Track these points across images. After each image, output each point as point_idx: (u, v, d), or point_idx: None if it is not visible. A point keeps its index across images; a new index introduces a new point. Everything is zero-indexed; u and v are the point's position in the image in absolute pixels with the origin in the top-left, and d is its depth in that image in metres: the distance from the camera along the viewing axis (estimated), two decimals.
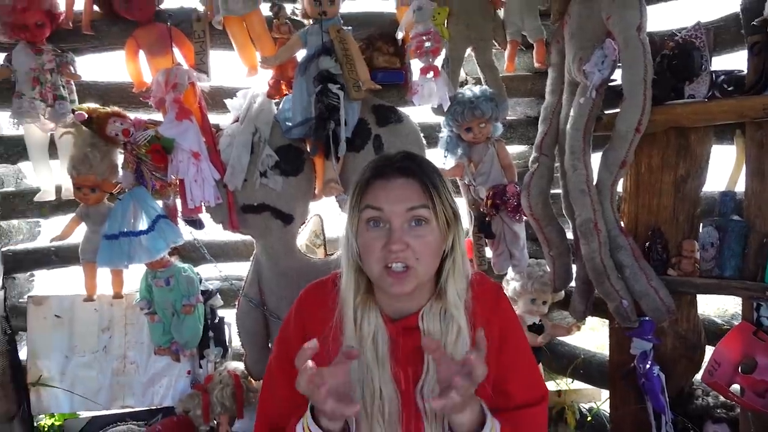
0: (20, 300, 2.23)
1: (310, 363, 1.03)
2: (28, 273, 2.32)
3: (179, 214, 2.03)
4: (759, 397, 1.79)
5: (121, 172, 1.97)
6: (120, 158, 2.00)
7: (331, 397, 1.04)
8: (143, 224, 1.94)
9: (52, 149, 2.05)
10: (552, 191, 2.22)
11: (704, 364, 2.07)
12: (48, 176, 2.04)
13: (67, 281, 2.43)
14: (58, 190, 2.07)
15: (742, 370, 1.86)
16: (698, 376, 2.14)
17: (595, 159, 2.05)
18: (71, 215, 2.05)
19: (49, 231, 2.33)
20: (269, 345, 2.15)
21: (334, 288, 1.29)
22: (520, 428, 1.24)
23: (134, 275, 2.11)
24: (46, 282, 2.46)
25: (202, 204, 1.97)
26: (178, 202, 2.02)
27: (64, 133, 1.94)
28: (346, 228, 1.24)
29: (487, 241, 2.38)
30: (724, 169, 2.04)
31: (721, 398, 2.02)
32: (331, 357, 1.21)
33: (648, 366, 2.02)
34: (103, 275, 2.07)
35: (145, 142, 1.89)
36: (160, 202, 2.01)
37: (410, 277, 1.17)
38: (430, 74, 2.12)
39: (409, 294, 1.21)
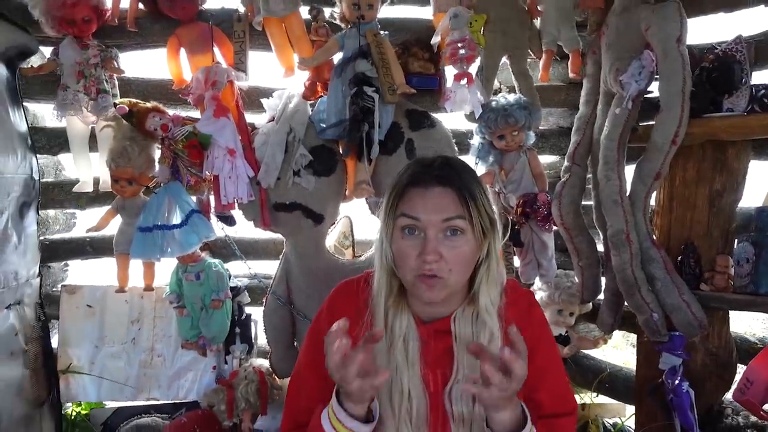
0: (54, 289, 2.27)
1: (343, 340, 1.06)
2: (63, 263, 2.36)
3: (212, 210, 2.06)
4: None
5: (157, 166, 2.01)
6: (157, 153, 2.03)
7: (359, 377, 1.06)
8: (177, 218, 1.97)
9: (92, 142, 2.10)
10: (583, 203, 2.21)
11: (735, 383, 2.05)
12: (87, 168, 2.09)
13: (100, 272, 2.48)
14: (96, 182, 2.11)
15: None
16: (728, 395, 2.11)
17: (629, 171, 2.04)
18: (107, 207, 2.09)
19: (84, 222, 2.38)
20: (295, 344, 2.17)
21: (367, 287, 1.31)
22: None
23: (165, 269, 2.15)
24: (79, 272, 2.50)
25: (235, 201, 1.99)
26: (212, 198, 2.05)
27: (105, 126, 1.99)
28: (381, 231, 1.25)
29: (515, 249, 2.37)
30: (761, 184, 2.01)
31: (752, 418, 1.98)
32: (366, 351, 1.22)
33: (677, 382, 1.99)
34: (135, 267, 2.11)
35: (183, 138, 1.92)
36: (194, 198, 2.04)
37: (442, 286, 1.18)
38: (464, 81, 2.13)
39: (439, 301, 1.22)
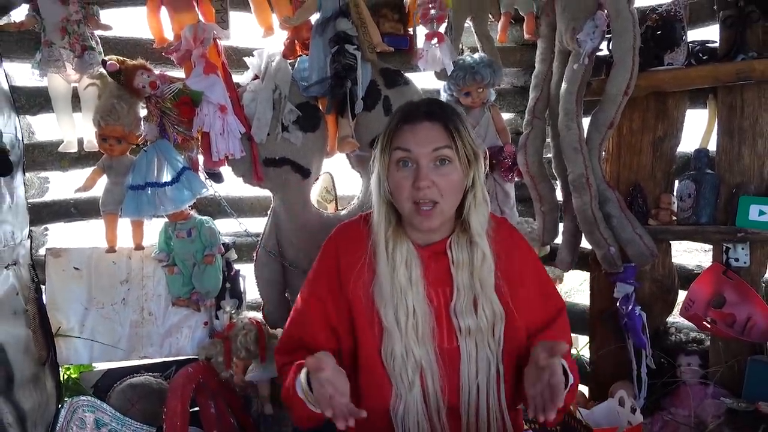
0: (37, 253, 2.22)
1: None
2: (43, 227, 2.30)
3: (200, 167, 2.10)
4: (728, 327, 2.06)
5: (144, 125, 2.01)
6: (143, 112, 2.04)
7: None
8: (167, 176, 1.99)
9: (74, 102, 2.06)
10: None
11: (677, 305, 2.34)
12: (71, 128, 2.05)
13: (81, 235, 2.44)
14: (80, 142, 2.08)
15: (713, 305, 2.12)
16: (671, 318, 2.42)
17: (584, 122, 2.26)
18: (90, 169, 2.07)
19: (62, 186, 2.33)
20: (286, 295, 2.25)
21: (365, 226, 1.45)
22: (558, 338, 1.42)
23: (150, 229, 2.16)
24: (59, 236, 2.45)
25: (227, 157, 2.04)
26: (200, 156, 2.08)
27: (89, 84, 1.97)
28: (377, 170, 1.38)
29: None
30: (696, 131, 2.29)
31: (692, 334, 2.28)
32: (366, 284, 1.37)
33: (630, 307, 2.26)
34: (123, 228, 2.11)
35: (172, 96, 1.94)
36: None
37: (437, 213, 1.33)
38: (435, 40, 2.27)
39: (435, 229, 1.37)
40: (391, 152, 1.34)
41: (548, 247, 2.67)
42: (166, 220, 2.12)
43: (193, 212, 2.14)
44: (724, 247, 2.10)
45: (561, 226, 2.46)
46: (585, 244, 2.32)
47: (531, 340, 1.45)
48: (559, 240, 2.48)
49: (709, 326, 2.10)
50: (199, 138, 2.05)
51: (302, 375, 1.28)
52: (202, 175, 2.10)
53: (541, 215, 2.43)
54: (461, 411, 1.40)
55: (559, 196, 2.42)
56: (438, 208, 1.32)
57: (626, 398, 2.15)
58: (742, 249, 2.07)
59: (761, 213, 1.98)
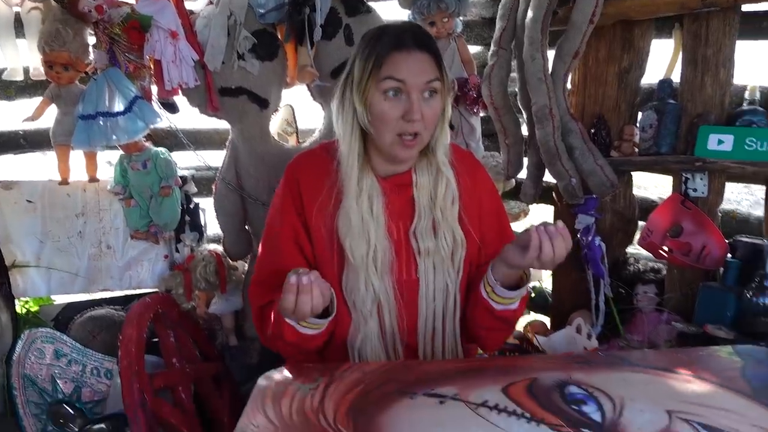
0: None
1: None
2: None
3: (154, 97, 2.04)
4: (684, 256, 2.09)
5: (92, 52, 1.94)
6: (91, 39, 1.96)
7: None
8: (119, 105, 1.94)
9: (18, 27, 1.97)
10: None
11: (636, 236, 2.38)
12: (15, 55, 1.98)
13: (34, 167, 2.39)
14: (26, 71, 2.01)
15: (671, 235, 2.14)
16: (630, 249, 2.46)
17: (550, 54, 2.22)
18: (39, 98, 2.01)
19: (9, 116, 2.26)
20: (246, 227, 2.24)
21: (327, 155, 1.40)
22: None
23: (104, 162, 2.12)
24: (9, 168, 2.39)
25: (180, 86, 1.98)
26: (153, 85, 2.02)
27: (32, 8, 1.88)
28: (350, 98, 1.31)
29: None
30: (661, 62, 2.27)
31: (650, 264, 2.32)
32: (329, 215, 1.35)
33: (590, 238, 2.28)
34: (76, 159, 2.07)
35: (120, 20, 1.86)
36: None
37: (419, 143, 1.31)
38: None
39: (412, 158, 1.36)
40: (380, 81, 1.26)
41: (513, 180, 2.67)
42: (121, 152, 2.07)
43: (148, 144, 2.10)
44: (683, 178, 2.11)
45: (526, 160, 2.46)
46: (550, 177, 2.32)
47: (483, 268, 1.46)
48: (524, 174, 2.48)
49: (665, 255, 2.13)
50: (152, 66, 1.99)
51: None
52: (155, 105, 2.04)
53: (506, 148, 2.42)
54: (418, 340, 1.42)
55: (525, 129, 2.40)
56: (419, 138, 1.29)
57: (583, 325, 2.19)
58: (701, 179, 2.08)
59: (720, 142, 1.98)
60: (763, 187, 2.09)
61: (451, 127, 2.49)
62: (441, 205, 1.38)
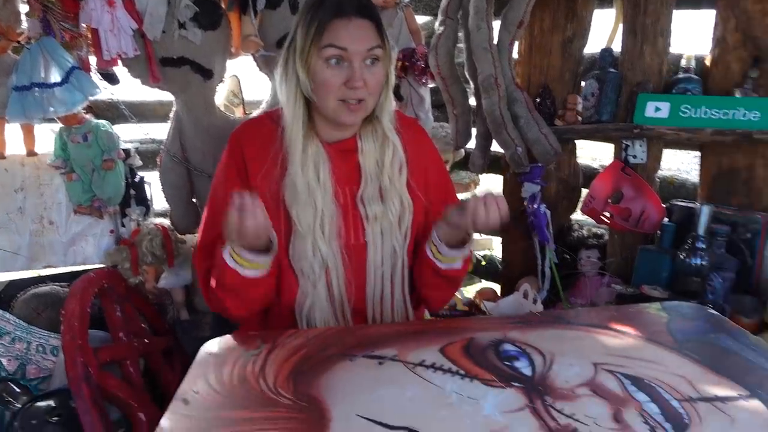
0: None
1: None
2: None
3: (92, 68, 1.98)
4: (624, 221, 2.17)
5: (25, 20, 1.87)
6: (23, 7, 1.89)
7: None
8: (56, 76, 1.88)
9: None
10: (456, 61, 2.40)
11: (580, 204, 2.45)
12: None
13: None
14: None
15: (612, 201, 2.22)
16: (574, 216, 2.53)
17: (496, 24, 2.24)
18: None
19: None
20: (193, 200, 2.22)
21: (272, 123, 1.40)
22: None
23: (43, 136, 2.06)
24: None
25: (119, 56, 1.93)
26: (92, 58, 1.96)
27: None
28: (293, 65, 1.31)
29: (395, 103, 2.53)
30: (603, 31, 2.32)
31: (593, 230, 2.40)
32: (274, 182, 1.35)
33: (536, 206, 2.34)
34: (12, 133, 2.00)
35: None
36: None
37: (363, 109, 1.32)
38: None
39: (357, 124, 1.37)
40: (321, 48, 1.26)
41: (463, 151, 2.71)
42: (61, 125, 2.02)
43: (88, 116, 2.05)
44: (624, 145, 2.18)
45: (475, 130, 2.49)
46: (498, 147, 2.36)
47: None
48: (473, 144, 2.51)
49: (606, 221, 2.20)
50: (89, 35, 1.93)
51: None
52: (94, 76, 1.98)
53: (454, 118, 2.44)
54: (366, 304, 1.44)
55: (473, 100, 2.42)
56: (363, 104, 1.30)
57: (530, 291, 2.26)
58: (640, 146, 2.15)
59: (657, 110, 2.04)
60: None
61: (401, 98, 2.51)
62: (388, 172, 1.40)
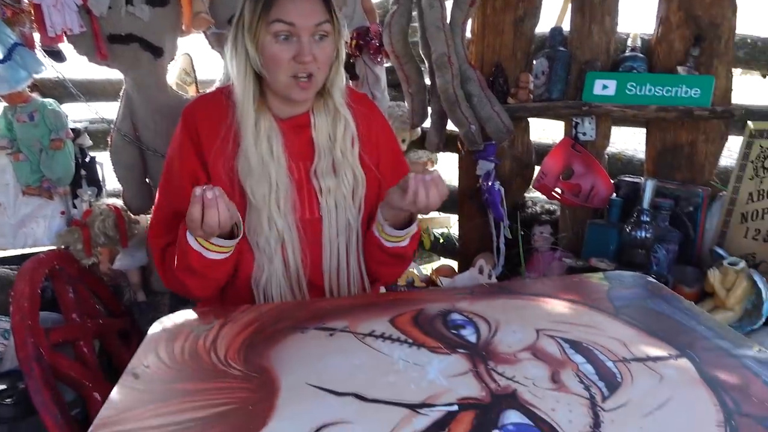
0: None
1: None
2: None
3: (37, 45, 1.93)
4: (574, 196, 2.23)
5: None
6: None
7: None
8: None
9: None
10: (411, 40, 2.41)
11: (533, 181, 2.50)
12: None
13: None
14: None
15: (563, 177, 2.28)
16: (528, 194, 2.59)
17: (449, 3, 2.25)
18: None
19: None
20: (147, 180, 2.19)
21: (225, 99, 1.40)
22: None
23: None
24: None
25: (64, 32, 1.88)
26: (36, 35, 1.91)
27: None
28: (242, 41, 1.31)
29: (351, 82, 2.54)
30: (553, 10, 2.36)
31: (546, 206, 2.46)
32: (228, 157, 1.35)
33: (491, 183, 2.39)
34: None
35: None
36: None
37: (313, 85, 1.33)
38: None
39: (308, 99, 1.37)
40: (269, 24, 1.26)
41: (419, 129, 2.73)
42: (5, 104, 1.96)
43: (34, 94, 1.99)
44: (574, 122, 2.23)
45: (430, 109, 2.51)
46: (454, 126, 2.38)
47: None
48: (429, 123, 2.54)
49: (558, 196, 2.26)
50: (31, 11, 1.87)
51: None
52: (39, 53, 1.93)
53: (409, 96, 2.46)
54: (323, 277, 1.46)
55: (428, 79, 2.44)
56: (313, 80, 1.31)
57: (485, 266, 2.31)
58: (589, 123, 2.21)
59: (604, 87, 2.10)
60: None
61: (356, 76, 2.51)
62: (341, 145, 1.42)
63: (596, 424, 0.83)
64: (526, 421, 0.84)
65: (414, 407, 0.88)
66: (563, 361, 1.01)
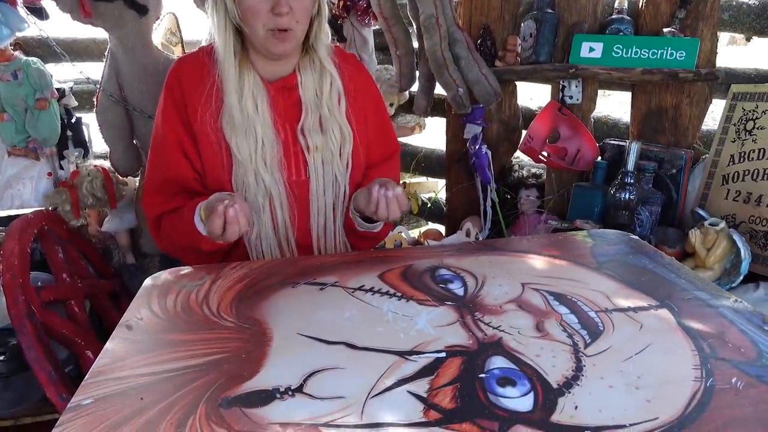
0: None
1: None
2: None
3: (19, 1, 1.89)
4: (560, 159, 2.25)
5: None
6: None
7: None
8: None
9: None
10: (399, 2, 2.39)
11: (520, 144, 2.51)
12: None
13: None
14: None
15: (549, 140, 2.30)
16: (514, 158, 2.61)
17: None
18: None
19: None
20: (134, 141, 2.17)
21: (208, 58, 1.39)
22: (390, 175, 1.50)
23: None
24: None
25: None
26: None
27: None
28: None
29: (339, 44, 2.52)
30: None
31: (532, 170, 2.49)
32: (213, 115, 1.36)
33: (478, 146, 2.40)
34: None
35: None
36: None
37: (291, 38, 1.32)
38: None
39: (288, 54, 1.36)
40: None
41: (407, 93, 2.73)
42: None
43: (17, 53, 1.96)
44: (560, 85, 2.24)
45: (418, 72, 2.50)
46: (442, 90, 2.38)
47: (366, 171, 1.53)
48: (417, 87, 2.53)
49: (544, 160, 2.28)
50: None
51: (200, 212, 1.30)
52: (21, 10, 1.89)
53: (397, 59, 2.45)
54: (311, 234, 1.48)
55: (416, 42, 2.43)
56: (291, 33, 1.31)
57: (472, 229, 2.35)
58: (576, 86, 2.22)
59: (591, 50, 2.11)
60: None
61: (344, 38, 2.49)
62: (327, 102, 1.43)
63: (578, 368, 0.87)
64: (511, 365, 0.88)
65: (403, 354, 0.91)
66: (547, 312, 1.04)
